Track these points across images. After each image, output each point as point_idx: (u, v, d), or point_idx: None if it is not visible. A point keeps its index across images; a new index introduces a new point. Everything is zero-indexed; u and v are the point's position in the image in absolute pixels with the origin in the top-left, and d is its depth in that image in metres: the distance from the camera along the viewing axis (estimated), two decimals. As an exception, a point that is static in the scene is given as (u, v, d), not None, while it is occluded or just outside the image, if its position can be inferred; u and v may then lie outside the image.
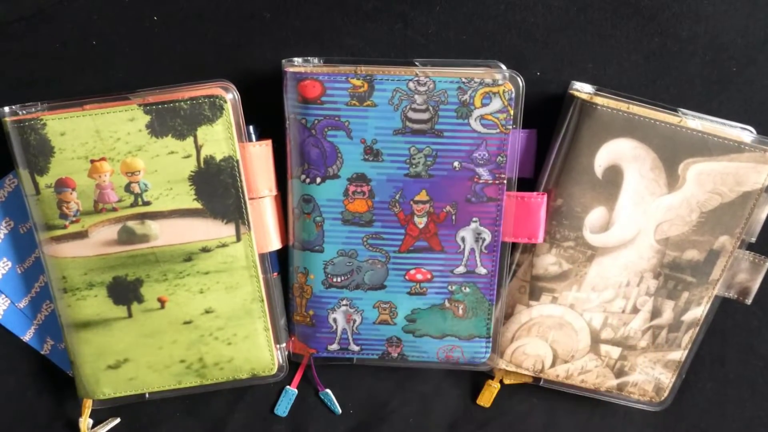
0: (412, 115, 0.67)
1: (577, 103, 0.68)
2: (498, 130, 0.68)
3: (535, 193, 0.70)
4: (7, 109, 0.67)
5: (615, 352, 0.73)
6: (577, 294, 0.71)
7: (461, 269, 0.71)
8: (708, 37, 0.71)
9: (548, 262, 0.71)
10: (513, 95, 0.67)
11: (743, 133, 0.68)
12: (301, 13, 0.71)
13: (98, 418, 0.76)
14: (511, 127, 0.68)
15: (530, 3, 0.71)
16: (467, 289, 0.72)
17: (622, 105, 0.68)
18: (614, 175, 0.69)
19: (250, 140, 0.69)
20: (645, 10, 0.71)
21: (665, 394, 0.74)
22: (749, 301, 0.72)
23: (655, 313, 0.72)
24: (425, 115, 0.67)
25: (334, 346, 0.74)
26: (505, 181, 0.69)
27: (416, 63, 0.68)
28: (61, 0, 0.70)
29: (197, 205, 0.68)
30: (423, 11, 0.71)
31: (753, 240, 0.71)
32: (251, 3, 0.71)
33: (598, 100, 0.68)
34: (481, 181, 0.69)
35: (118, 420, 0.76)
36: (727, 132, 0.68)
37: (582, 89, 0.70)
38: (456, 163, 0.68)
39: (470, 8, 0.71)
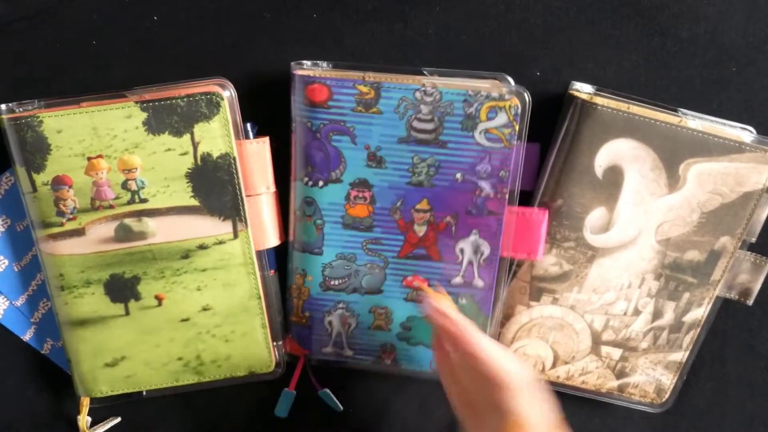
0: (417, 124, 0.67)
1: (577, 103, 0.68)
2: (502, 145, 0.67)
3: (536, 208, 0.70)
4: (3, 106, 0.67)
5: (616, 353, 0.72)
6: (578, 296, 0.71)
7: (458, 280, 0.71)
8: (708, 37, 0.71)
9: (549, 262, 0.71)
10: (519, 110, 0.67)
11: (743, 133, 0.68)
12: (301, 13, 0.71)
13: (99, 416, 0.75)
14: (515, 142, 0.67)
15: (530, 3, 0.71)
16: (464, 301, 0.71)
17: (622, 105, 0.68)
18: (614, 175, 0.68)
19: (247, 137, 0.69)
20: (645, 10, 0.71)
21: (666, 396, 0.73)
22: (750, 301, 0.72)
23: (657, 314, 0.71)
24: (430, 126, 0.67)
25: (329, 349, 0.73)
26: (506, 196, 0.69)
27: (424, 72, 0.68)
28: (61, 0, 0.70)
29: (194, 202, 0.68)
30: (423, 11, 0.71)
31: (754, 240, 0.70)
32: (251, 3, 0.71)
33: (598, 100, 0.67)
34: (482, 194, 0.69)
35: (118, 419, 0.76)
36: (727, 132, 0.68)
37: (582, 89, 0.69)
38: (458, 175, 0.68)
39: (470, 8, 0.71)
